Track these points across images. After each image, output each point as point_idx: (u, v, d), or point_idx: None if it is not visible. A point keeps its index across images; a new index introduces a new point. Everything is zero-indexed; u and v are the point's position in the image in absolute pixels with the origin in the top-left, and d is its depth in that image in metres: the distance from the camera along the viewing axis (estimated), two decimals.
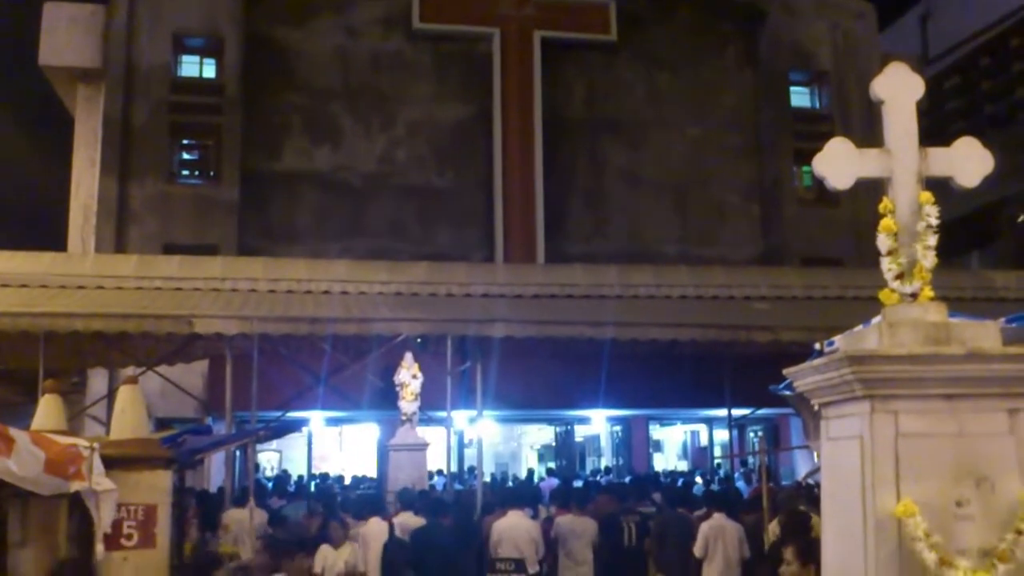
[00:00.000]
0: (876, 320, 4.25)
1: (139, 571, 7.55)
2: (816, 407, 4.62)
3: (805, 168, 25.08)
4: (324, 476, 20.86)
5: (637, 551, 11.09)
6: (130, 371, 13.70)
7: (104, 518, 7.27)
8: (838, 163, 4.46)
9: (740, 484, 18.27)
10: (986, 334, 4.14)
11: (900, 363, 4.00)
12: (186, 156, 24.22)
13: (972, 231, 24.40)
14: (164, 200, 22.49)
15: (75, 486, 7.07)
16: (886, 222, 4.29)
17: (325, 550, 9.13)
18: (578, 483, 16.49)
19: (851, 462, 4.18)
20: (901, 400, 4.04)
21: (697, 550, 10.14)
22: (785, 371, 4.60)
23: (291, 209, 23.59)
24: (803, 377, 4.44)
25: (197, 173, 24.04)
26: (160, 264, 16.78)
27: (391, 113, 24.40)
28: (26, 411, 11.54)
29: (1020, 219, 26.62)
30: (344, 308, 14.83)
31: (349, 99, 24.24)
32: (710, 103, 25.77)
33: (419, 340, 15.70)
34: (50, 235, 21.79)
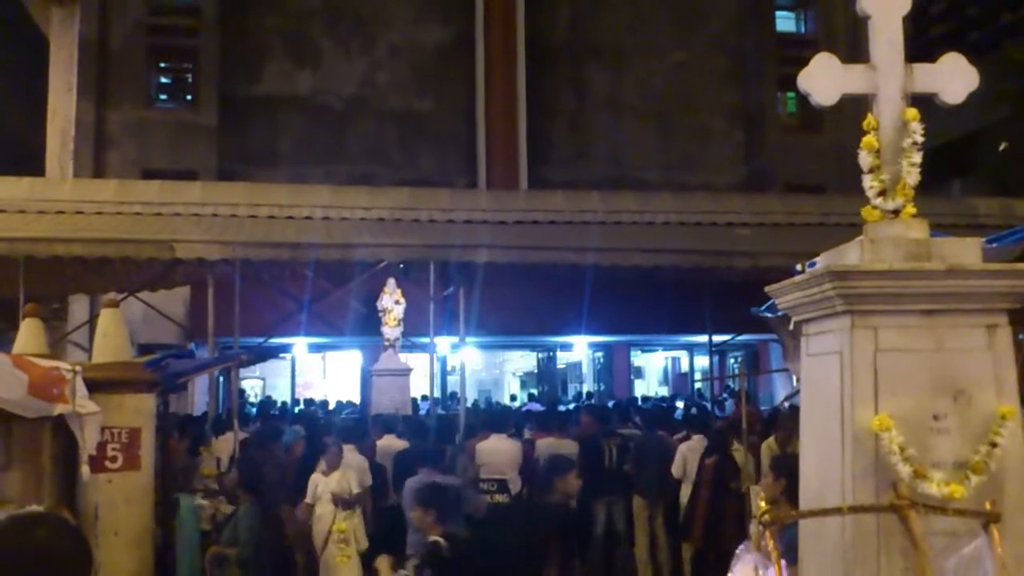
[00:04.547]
0: (859, 238, 4.25)
1: (124, 492, 7.61)
2: (794, 325, 4.64)
3: (790, 94, 24.96)
4: (309, 401, 20.95)
5: (617, 472, 11.24)
6: (111, 296, 13.61)
7: (88, 440, 7.28)
8: (823, 78, 4.41)
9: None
10: (967, 251, 4.15)
11: (881, 279, 4.01)
12: (164, 80, 23.92)
13: (953, 160, 24.34)
14: (142, 125, 22.28)
15: (59, 409, 7.07)
16: (868, 139, 4.27)
17: (316, 478, 8.99)
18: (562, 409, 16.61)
19: (830, 378, 4.21)
20: (881, 315, 4.06)
21: (675, 470, 10.31)
22: (767, 288, 4.61)
23: (271, 133, 23.36)
24: (785, 294, 4.44)
25: (175, 97, 23.75)
26: (140, 189, 16.61)
27: (371, 35, 24.07)
28: (6, 338, 11.53)
29: (1001, 148, 26.58)
30: (326, 233, 14.74)
31: (329, 21, 23.88)
32: (695, 27, 25.50)
33: (402, 266, 15.67)
34: (27, 160, 21.51)
